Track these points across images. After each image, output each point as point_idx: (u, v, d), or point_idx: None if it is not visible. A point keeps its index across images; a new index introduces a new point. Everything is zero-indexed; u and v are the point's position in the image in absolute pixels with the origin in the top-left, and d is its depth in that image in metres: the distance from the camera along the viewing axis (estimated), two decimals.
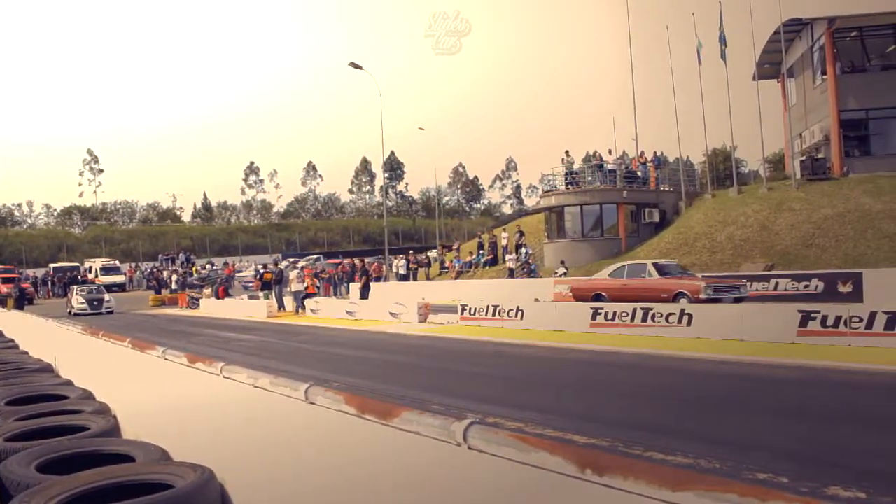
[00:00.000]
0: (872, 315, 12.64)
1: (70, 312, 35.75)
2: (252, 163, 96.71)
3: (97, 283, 46.60)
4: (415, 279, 42.39)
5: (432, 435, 2.30)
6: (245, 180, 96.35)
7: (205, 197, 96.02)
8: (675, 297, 19.17)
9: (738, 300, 19.00)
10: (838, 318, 13.03)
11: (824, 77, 34.77)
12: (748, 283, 21.07)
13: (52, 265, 58.54)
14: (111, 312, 36.49)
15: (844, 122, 33.73)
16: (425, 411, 2.44)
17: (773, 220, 30.33)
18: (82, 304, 36.63)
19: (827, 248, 27.49)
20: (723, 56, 35.21)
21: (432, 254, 50.61)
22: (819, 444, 6.70)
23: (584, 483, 1.83)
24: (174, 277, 47.74)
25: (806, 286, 22.64)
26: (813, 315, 13.44)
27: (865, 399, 9.22)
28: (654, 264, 21.51)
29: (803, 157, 34.43)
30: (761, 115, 35.73)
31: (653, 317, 16.13)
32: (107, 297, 38.28)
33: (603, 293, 21.32)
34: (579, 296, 22.33)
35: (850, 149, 34.11)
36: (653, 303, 17.41)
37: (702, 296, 18.66)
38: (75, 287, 40.93)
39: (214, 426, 3.98)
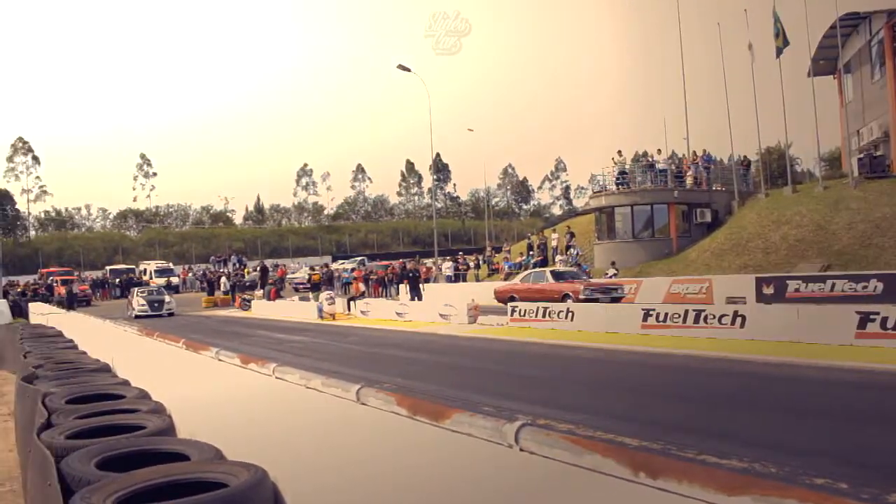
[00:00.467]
0: None
1: (131, 315, 34.66)
2: (305, 165, 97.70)
3: (156, 284, 47.39)
4: (463, 280, 42.42)
5: (484, 437, 2.30)
6: (297, 182, 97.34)
7: (258, 199, 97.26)
8: (564, 297, 23.22)
9: (615, 300, 23.05)
10: None
11: (883, 72, 33.96)
12: (624, 287, 25.31)
13: (108, 267, 59.94)
14: (172, 314, 35.79)
15: None
16: (476, 413, 2.44)
17: (830, 219, 29.67)
18: (143, 306, 35.59)
19: (886, 248, 26.80)
20: (779, 54, 34.54)
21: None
22: (880, 450, 6.54)
23: (637, 486, 1.82)
24: (223, 280, 48.44)
25: (864, 287, 22.12)
26: (872, 316, 13.11)
27: None
28: (552, 271, 26.80)
29: (861, 155, 33.60)
30: (816, 113, 34.98)
31: (705, 318, 15.91)
32: (167, 298, 37.23)
33: (515, 294, 25.40)
34: (500, 297, 26.43)
35: None
36: (549, 302, 21.24)
37: (581, 296, 22.83)
38: (135, 289, 39.69)
39: (267, 426, 4.03)
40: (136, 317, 33.39)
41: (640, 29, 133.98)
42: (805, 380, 10.94)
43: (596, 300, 22.32)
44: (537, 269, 29.11)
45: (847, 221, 29.00)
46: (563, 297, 23.13)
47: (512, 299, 23.97)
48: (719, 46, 37.45)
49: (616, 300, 23.17)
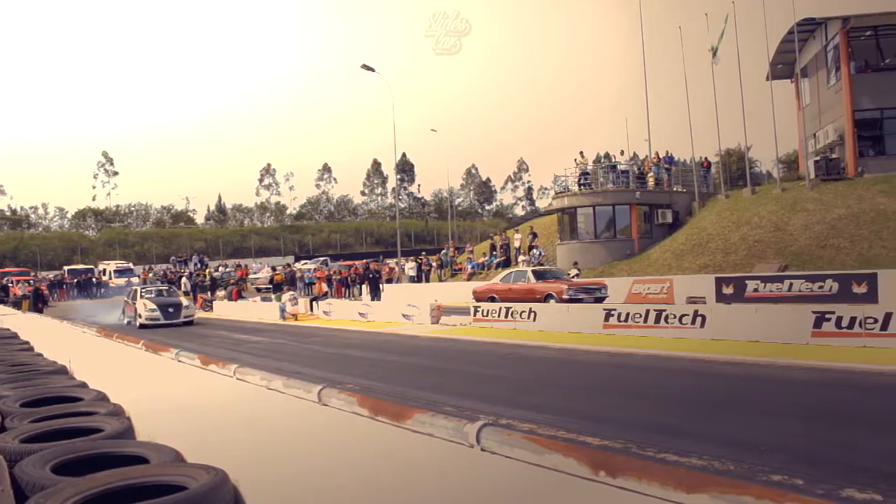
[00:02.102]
0: (888, 316, 12.55)
1: (130, 322, 28.77)
2: (269, 165, 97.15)
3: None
4: (427, 281, 42.46)
5: (445, 437, 2.30)
6: (260, 181, 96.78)
7: (219, 199, 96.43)
8: (546, 298, 22.84)
9: (598, 300, 22.58)
10: (853, 319, 12.95)
11: (838, 76, 34.60)
12: (606, 287, 24.41)
13: (66, 268, 58.87)
14: (191, 323, 28.16)
15: (859, 122, 33.56)
16: (438, 413, 2.44)
17: (787, 220, 30.17)
18: (153, 311, 27.24)
19: (841, 249, 27.32)
20: (714, 54, 35.09)
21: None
22: (834, 446, 6.66)
23: (597, 485, 1.83)
24: (183, 280, 47.94)
25: (820, 287, 22.52)
26: (827, 316, 13.37)
27: (880, 400, 9.16)
28: (534, 271, 25.88)
29: (817, 158, 34.23)
30: (775, 116, 35.57)
31: (666, 318, 16.08)
32: (185, 301, 29.59)
33: (495, 295, 24.84)
34: (479, 297, 25.76)
35: (865, 149, 33.93)
36: (531, 302, 21.17)
37: (564, 296, 22.39)
38: (139, 289, 30.80)
39: (228, 428, 3.99)
40: (143, 326, 26.57)
41: (603, 31, 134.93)
42: (763, 378, 11.11)
43: (580, 300, 22.04)
44: (518, 269, 28.42)
45: (804, 222, 29.51)
46: (546, 298, 22.82)
47: (492, 300, 23.90)
48: (681, 50, 37.94)
49: (599, 300, 22.68)
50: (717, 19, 36.63)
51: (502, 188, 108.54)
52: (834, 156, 33.83)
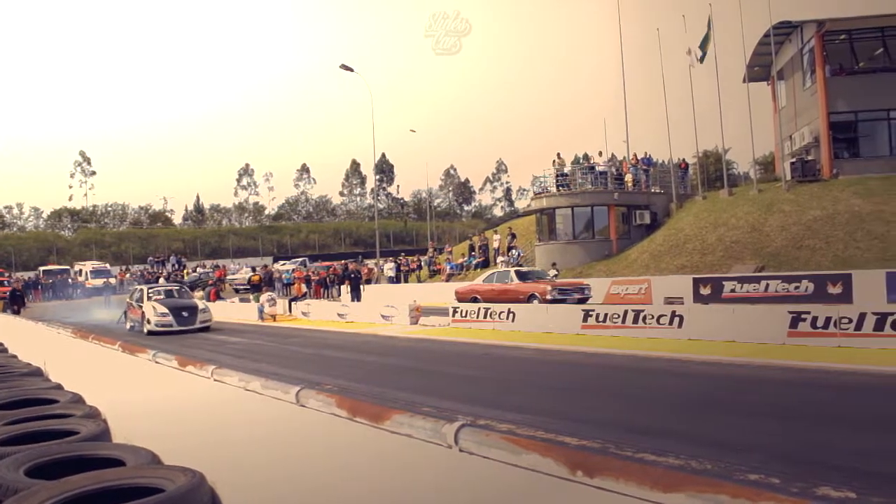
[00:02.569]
0: (862, 316, 12.69)
1: (136, 327, 25.18)
2: (247, 165, 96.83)
3: (92, 285, 45.75)
4: (405, 281, 42.46)
5: (424, 437, 2.30)
6: (238, 182, 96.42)
7: (197, 199, 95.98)
8: (529, 298, 22.81)
9: (581, 300, 22.48)
10: (828, 319, 13.08)
11: (814, 79, 34.94)
12: (590, 288, 24.48)
13: (41, 268, 58.26)
14: (208, 328, 24.25)
15: (834, 125, 33.89)
16: (416, 414, 2.44)
17: (764, 221, 30.42)
18: (164, 316, 23.49)
19: (817, 250, 27.58)
20: (702, 59, 35.35)
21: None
22: (810, 445, 6.72)
23: (575, 485, 1.84)
24: (161, 280, 47.60)
25: (796, 287, 22.73)
26: (803, 316, 13.49)
27: (855, 400, 9.26)
28: (517, 271, 25.77)
29: (793, 159, 34.55)
30: (752, 118, 35.88)
31: (644, 318, 16.16)
32: (201, 304, 25.46)
33: (478, 295, 24.86)
34: (461, 297, 25.62)
35: (840, 151, 34.27)
36: (513, 303, 21.08)
37: (548, 297, 22.33)
38: (146, 288, 26.97)
39: (205, 429, 3.97)
40: (152, 333, 23.04)
41: (581, 34, 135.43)
42: (740, 378, 11.19)
43: (563, 301, 21.92)
44: (500, 270, 28.38)
45: (780, 224, 29.76)
46: (529, 298, 22.79)
47: (475, 300, 23.82)
48: (659, 52, 38.16)
49: (583, 301, 22.57)
50: (694, 21, 36.93)
51: (481, 189, 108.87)
52: (810, 158, 34.17)
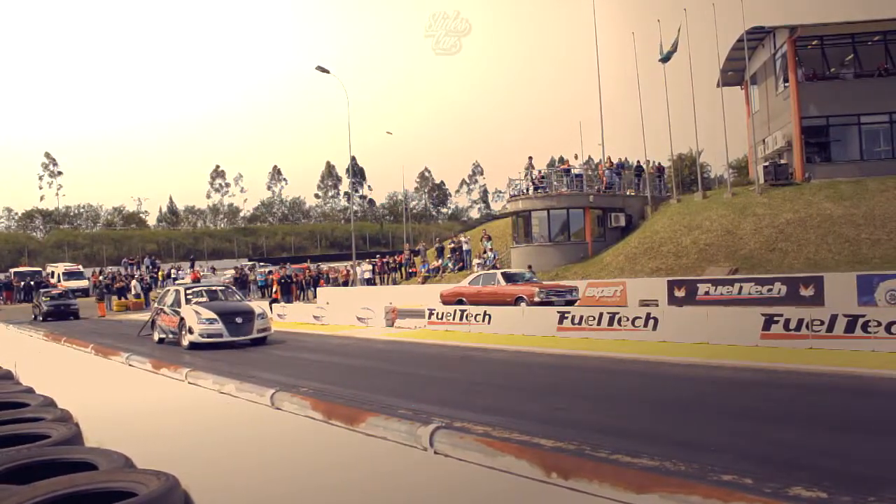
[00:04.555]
0: (833, 318, 12.83)
1: (162, 341, 20.67)
2: (218, 166, 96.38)
3: (63, 287, 45.12)
4: (382, 284, 42.44)
5: (398, 440, 2.30)
6: (211, 184, 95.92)
7: (171, 201, 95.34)
8: (517, 301, 22.47)
9: (569, 303, 22.05)
10: (800, 321, 13.21)
11: (786, 84, 35.37)
12: (577, 290, 24.38)
13: (12, 270, 57.54)
14: (265, 339, 19.26)
15: (806, 129, 34.32)
16: (392, 416, 2.44)
17: (737, 224, 30.72)
18: (211, 323, 18.39)
19: (789, 253, 27.90)
20: (666, 60, 35.64)
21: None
22: (783, 446, 6.78)
23: (550, 487, 1.84)
24: (133, 283, 47.23)
25: (769, 290, 22.95)
26: (776, 318, 13.62)
27: (827, 401, 9.36)
28: (503, 273, 25.42)
29: (766, 163, 34.95)
30: (725, 122, 36.25)
31: (619, 320, 16.24)
32: (258, 307, 20.46)
33: (463, 297, 24.49)
34: (446, 300, 25.22)
35: (812, 155, 34.70)
36: (500, 305, 21.09)
37: (536, 299, 22.01)
38: (182, 288, 21.24)
39: (179, 433, 3.94)
40: (195, 346, 18.36)
41: (558, 36, 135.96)
42: (714, 380, 11.27)
43: (551, 303, 21.56)
44: (487, 272, 27.95)
45: (753, 227, 30.07)
46: (516, 301, 22.50)
47: (460, 303, 23.58)
48: (634, 55, 38.40)
49: (570, 303, 22.20)
50: (669, 25, 37.22)
51: (457, 191, 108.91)
52: (782, 161, 34.59)
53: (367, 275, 43.93)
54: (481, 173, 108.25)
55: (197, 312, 18.73)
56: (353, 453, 2.53)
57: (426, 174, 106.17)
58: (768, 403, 9.27)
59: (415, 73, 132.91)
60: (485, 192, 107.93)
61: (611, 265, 32.25)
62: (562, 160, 41.63)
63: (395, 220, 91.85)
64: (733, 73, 40.50)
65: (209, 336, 18.25)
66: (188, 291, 20.55)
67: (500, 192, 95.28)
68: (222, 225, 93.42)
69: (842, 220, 28.54)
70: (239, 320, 18.71)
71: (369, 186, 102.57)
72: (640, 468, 5.54)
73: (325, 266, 50.91)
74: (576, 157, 39.59)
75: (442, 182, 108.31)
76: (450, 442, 2.14)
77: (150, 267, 57.13)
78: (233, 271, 49.04)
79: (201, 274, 51.68)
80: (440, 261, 42.07)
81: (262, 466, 3.07)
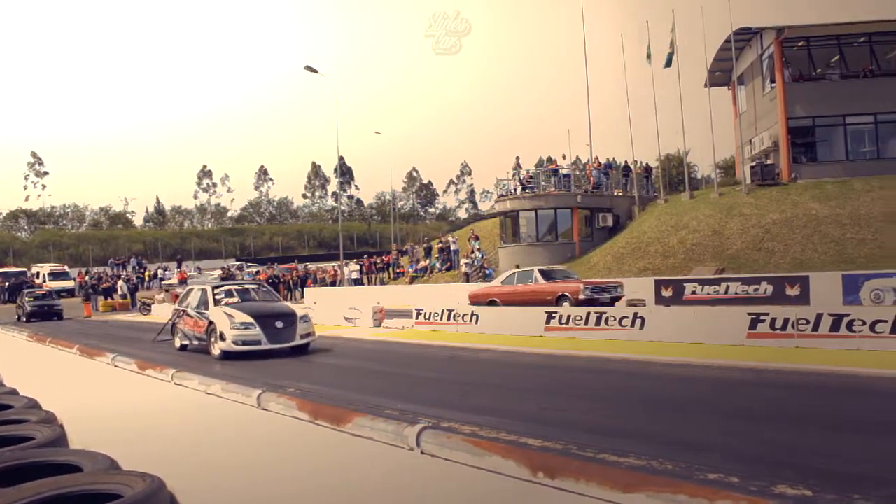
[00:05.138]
0: (819, 317, 12.90)
1: (184, 348, 18.12)
2: (205, 166, 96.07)
3: (49, 288, 44.78)
4: (370, 284, 42.41)
5: (385, 440, 2.30)
6: (199, 184, 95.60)
7: (157, 201, 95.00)
8: (559, 300, 21.07)
9: (614, 300, 21.18)
10: (786, 321, 13.28)
11: (773, 85, 35.54)
12: (622, 286, 22.72)
13: None
14: (307, 346, 16.46)
15: (792, 129, 34.50)
16: (378, 417, 2.43)
17: (724, 224, 30.85)
18: (247, 328, 15.76)
19: (775, 252, 28.03)
20: (668, 64, 35.78)
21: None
22: (769, 444, 6.81)
23: (536, 486, 1.84)
24: (120, 283, 47.04)
25: (756, 289, 23.06)
26: (762, 317, 13.68)
27: (812, 399, 9.40)
28: (541, 270, 23.51)
29: (753, 163, 35.13)
30: (713, 122, 36.42)
31: (606, 320, 16.27)
32: (300, 309, 17.98)
33: (496, 298, 23.14)
34: (475, 301, 23.67)
35: (798, 155, 34.88)
36: (540, 305, 19.47)
37: (581, 296, 20.60)
38: (209, 287, 18.41)
39: (165, 434, 3.92)
40: (228, 355, 15.69)
41: (547, 37, 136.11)
42: (701, 379, 11.32)
43: (596, 300, 20.36)
44: (522, 269, 25.64)
45: (740, 227, 30.21)
46: (559, 299, 21.15)
47: (492, 304, 22.66)
48: (622, 56, 38.51)
49: (616, 300, 21.39)
50: (657, 27, 37.33)
51: (444, 191, 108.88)
52: (769, 162, 34.79)
53: (355, 275, 43.88)
54: (469, 173, 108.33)
55: (229, 315, 15.92)
56: (339, 454, 2.52)
57: (414, 174, 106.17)
58: (755, 402, 9.31)
59: (406, 73, 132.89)
60: (472, 192, 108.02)
61: (598, 265, 32.32)
62: (550, 160, 41.69)
63: (383, 220, 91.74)
64: (721, 73, 40.69)
65: (245, 343, 15.62)
66: (216, 291, 17.85)
67: (488, 192, 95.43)
68: (209, 225, 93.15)
69: (827, 220, 28.70)
70: (279, 324, 15.95)
71: (357, 186, 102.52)
72: (627, 467, 5.55)
73: (312, 266, 50.87)
74: (564, 157, 39.69)
75: (430, 182, 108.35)
76: (436, 442, 2.14)
77: (137, 267, 56.89)
78: (220, 272, 48.88)
79: (188, 274, 51.51)
80: (428, 261, 42.08)
81: (248, 467, 3.06)
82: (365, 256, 50.30)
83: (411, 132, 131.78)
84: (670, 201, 36.24)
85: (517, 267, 32.25)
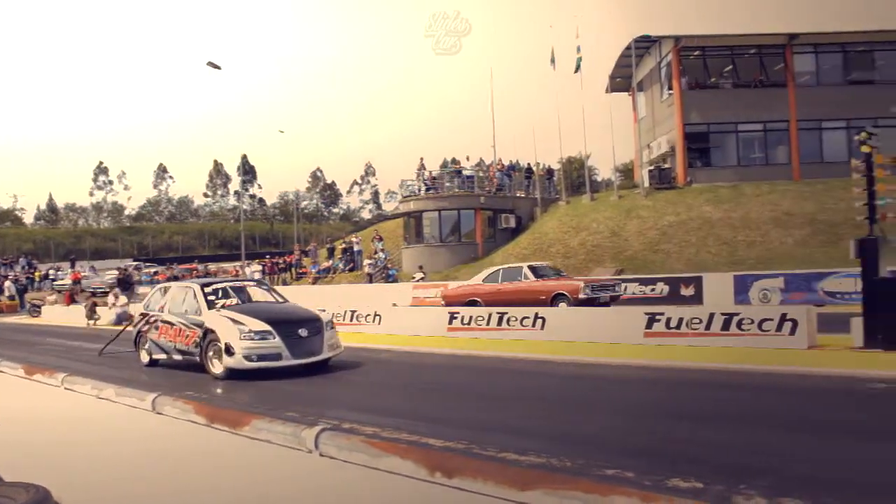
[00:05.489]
0: (711, 316, 13.35)
1: (156, 362, 14.61)
2: (101, 163, 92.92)
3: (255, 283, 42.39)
4: (272, 284, 41.77)
5: (283, 443, 2.27)
6: (94, 181, 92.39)
7: (50, 198, 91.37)
8: (554, 299, 19.60)
9: (613, 299, 19.88)
10: (681, 320, 13.69)
11: (671, 92, 36.65)
12: (621, 284, 21.74)
13: None
14: (328, 360, 13.03)
15: (688, 135, 35.70)
16: (276, 419, 2.41)
17: (623, 226, 31.68)
18: (262, 339, 12.10)
19: (671, 254, 28.95)
20: (577, 69, 36.53)
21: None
22: (663, 439, 7.00)
23: (434, 486, 1.85)
24: (7, 284, 45.09)
25: (652, 289, 23.76)
26: (658, 317, 14.07)
27: (704, 395, 9.71)
28: (530, 267, 21.78)
29: (651, 167, 36.24)
30: (613, 127, 37.35)
31: (508, 321, 16.43)
32: (325, 315, 13.60)
33: (477, 298, 21.30)
34: (451, 302, 21.85)
35: (693, 160, 36.11)
36: (531, 305, 17.50)
37: (581, 296, 19.10)
38: (197, 286, 14.27)
39: (53, 441, 3.77)
40: (233, 372, 12.24)
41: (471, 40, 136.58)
42: (599, 377, 11.56)
43: (597, 300, 19.28)
44: (509, 266, 23.28)
45: (638, 228, 31.08)
46: (554, 299, 19.60)
47: (472, 304, 20.42)
48: (527, 60, 39.08)
49: (615, 299, 20.21)
50: (562, 32, 38.05)
51: (349, 192, 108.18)
52: (666, 166, 35.91)
53: (257, 275, 43.04)
54: (374, 174, 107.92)
55: (236, 322, 12.34)
56: (235, 457, 2.48)
57: (318, 174, 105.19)
58: (652, 399, 9.56)
59: (311, 73, 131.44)
60: (376, 193, 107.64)
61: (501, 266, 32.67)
62: (454, 161, 41.96)
63: (287, 219, 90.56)
64: (621, 79, 41.77)
65: (261, 358, 11.96)
66: (208, 290, 13.95)
67: (393, 193, 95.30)
68: (106, 224, 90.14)
69: (720, 223, 29.84)
70: (303, 332, 12.37)
71: (259, 185, 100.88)
72: (527, 465, 5.62)
73: (213, 266, 49.85)
74: (467, 158, 40.05)
75: (333, 182, 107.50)
76: (335, 444, 2.13)
77: (26, 267, 54.57)
78: (116, 272, 47.33)
79: (83, 275, 49.67)
80: (331, 261, 41.76)
81: (141, 473, 2.98)
82: (267, 257, 49.52)
83: (317, 132, 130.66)
84: (571, 203, 36.98)
85: (420, 268, 32.39)
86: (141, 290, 36.92)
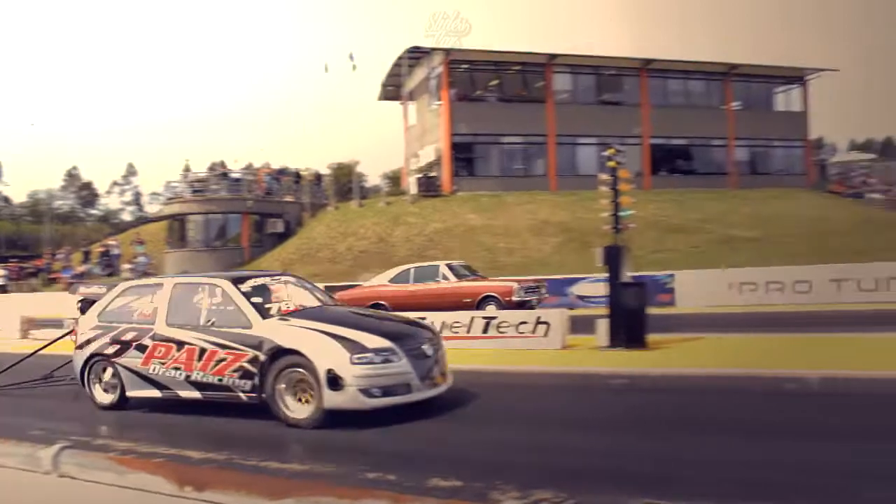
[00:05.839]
0: (472, 320, 13.89)
1: (117, 403, 9.35)
2: None
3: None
4: (20, 291, 38.58)
5: (17, 465, 2.11)
6: None
7: None
8: (482, 302, 17.57)
9: (538, 301, 18.29)
10: (443, 323, 14.09)
11: (439, 102, 37.82)
12: (545, 284, 19.83)
13: None
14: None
15: (455, 145, 37.08)
16: (10, 439, 2.23)
17: (390, 232, 32.28)
18: (385, 360, 7.69)
19: (437, 259, 29.80)
20: (354, 69, 36.88)
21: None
22: (432, 443, 7.18)
23: (183, 500, 1.80)
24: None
25: None
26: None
27: (462, 398, 10.06)
28: (448, 266, 19.34)
29: (419, 175, 37.17)
30: (384, 134, 37.93)
31: None
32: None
33: (383, 302, 18.44)
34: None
35: (459, 169, 37.52)
36: (452, 310, 15.24)
37: (514, 298, 17.26)
38: (227, 283, 8.80)
39: None
40: (332, 414, 7.50)
41: (218, 38, 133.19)
42: None
43: (527, 304, 17.25)
44: (421, 265, 20.33)
45: (405, 235, 31.80)
46: (480, 303, 17.47)
47: (377, 308, 17.12)
48: (298, 64, 38.85)
49: (540, 301, 18.33)
50: (334, 38, 38.18)
51: (108, 192, 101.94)
52: (433, 174, 37.02)
53: (1, 280, 39.62)
54: (135, 174, 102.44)
55: (341, 338, 7.84)
56: None
57: (73, 172, 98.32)
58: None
59: (73, 68, 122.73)
60: (138, 194, 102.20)
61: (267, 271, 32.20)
62: (222, 164, 40.86)
63: (37, 220, 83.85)
64: (393, 88, 42.62)
65: (386, 393, 7.73)
66: (245, 289, 8.86)
67: (157, 194, 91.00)
68: None
69: (482, 230, 31.19)
70: (427, 349, 8.40)
71: (6, 183, 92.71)
72: (288, 474, 5.55)
73: None
74: (235, 161, 39.15)
75: (90, 182, 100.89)
76: (76, 462, 2.02)
77: None
78: None
79: None
80: (86, 266, 39.20)
81: None
82: (12, 260, 45.58)
83: (70, 129, 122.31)
84: (340, 209, 37.15)
85: (182, 270, 31.13)
86: None
